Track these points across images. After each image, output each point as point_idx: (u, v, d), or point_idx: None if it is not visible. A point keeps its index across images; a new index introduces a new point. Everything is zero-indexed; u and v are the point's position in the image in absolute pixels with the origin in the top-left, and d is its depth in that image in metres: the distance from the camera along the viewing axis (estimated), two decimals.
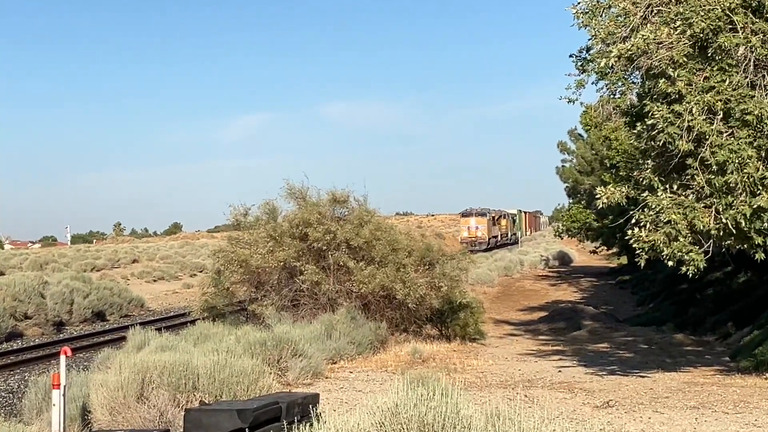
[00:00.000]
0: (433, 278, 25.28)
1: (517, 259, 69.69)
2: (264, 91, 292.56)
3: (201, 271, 59.54)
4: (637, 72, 17.29)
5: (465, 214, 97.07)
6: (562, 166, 67.37)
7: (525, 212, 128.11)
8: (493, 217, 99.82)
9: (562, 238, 68.68)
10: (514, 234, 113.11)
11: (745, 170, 15.99)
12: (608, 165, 46.23)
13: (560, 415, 11.39)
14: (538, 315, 38.81)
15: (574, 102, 18.00)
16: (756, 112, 16.00)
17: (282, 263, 24.31)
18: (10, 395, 21.23)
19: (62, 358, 11.64)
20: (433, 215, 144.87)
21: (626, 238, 17.08)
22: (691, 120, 16.11)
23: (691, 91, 16.30)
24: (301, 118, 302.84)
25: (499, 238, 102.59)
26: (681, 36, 16.48)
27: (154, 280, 61.02)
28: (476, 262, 31.84)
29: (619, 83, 17.54)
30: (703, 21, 16.30)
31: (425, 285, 24.49)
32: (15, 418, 13.19)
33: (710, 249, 16.66)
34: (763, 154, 16.24)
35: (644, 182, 17.03)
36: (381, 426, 7.22)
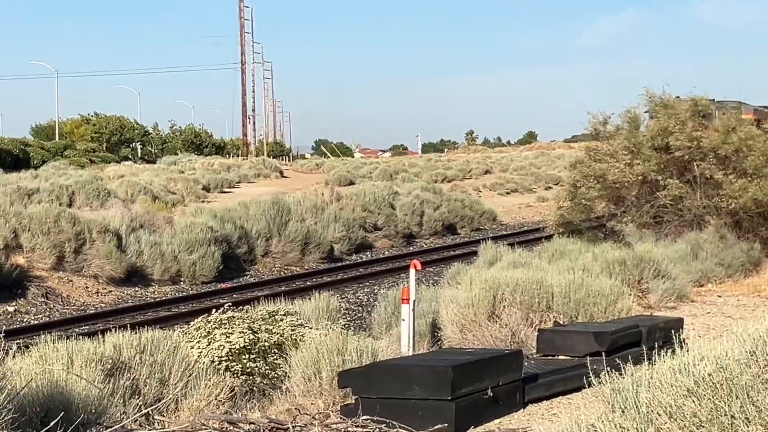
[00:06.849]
0: None
1: None
2: None
3: (557, 184, 59.24)
4: None
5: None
6: None
7: None
8: None
9: None
10: None
11: None
12: None
13: None
14: None
15: None
16: None
17: (641, 177, 23.86)
18: (359, 308, 22.31)
19: (412, 271, 11.98)
20: None
21: None
22: None
23: None
24: (668, 17, 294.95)
25: None
26: None
27: (507, 193, 61.58)
28: None
29: None
30: None
31: None
32: (364, 332, 13.81)
33: None
34: None
35: None
36: (752, 356, 6.97)
